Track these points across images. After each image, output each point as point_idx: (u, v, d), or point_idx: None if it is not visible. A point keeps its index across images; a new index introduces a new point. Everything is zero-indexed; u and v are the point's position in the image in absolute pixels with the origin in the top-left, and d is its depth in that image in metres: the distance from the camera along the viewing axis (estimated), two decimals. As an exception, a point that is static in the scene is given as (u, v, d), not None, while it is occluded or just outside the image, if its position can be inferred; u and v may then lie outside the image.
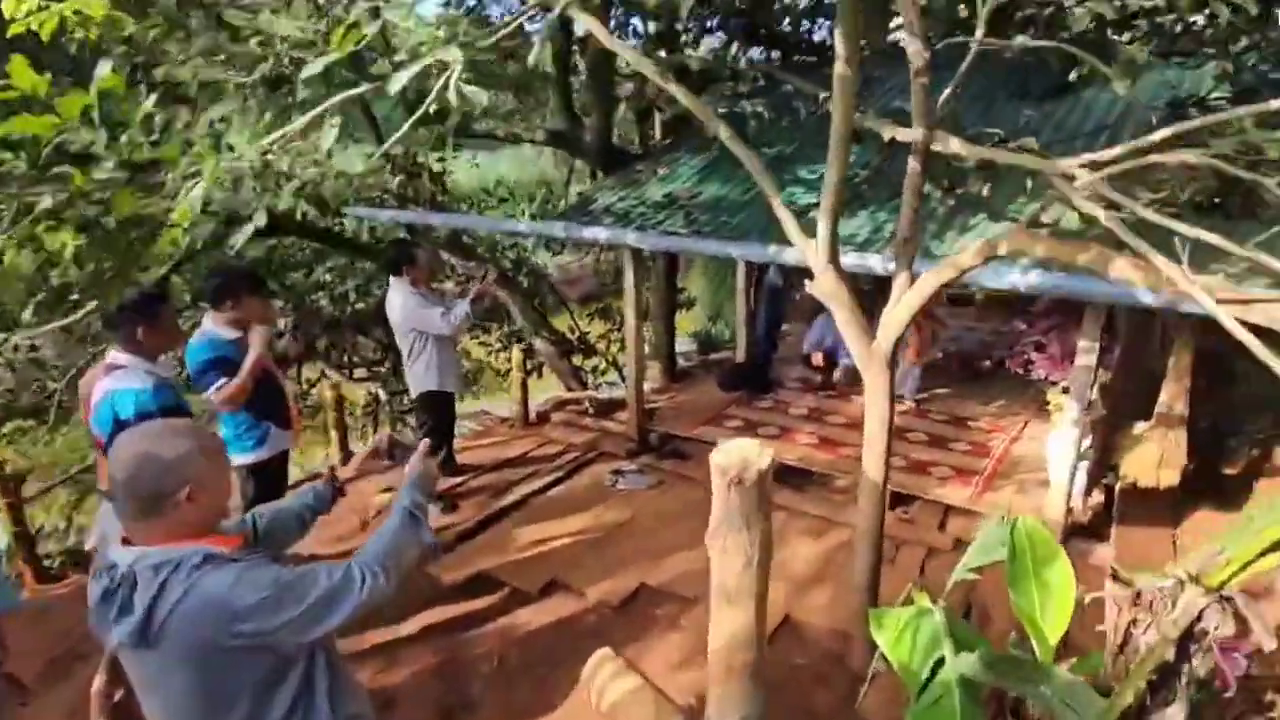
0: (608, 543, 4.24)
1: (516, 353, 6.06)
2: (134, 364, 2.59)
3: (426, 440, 2.00)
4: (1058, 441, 4.46)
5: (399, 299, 4.44)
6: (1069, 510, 4.19)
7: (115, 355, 2.61)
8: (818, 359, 6.57)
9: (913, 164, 2.37)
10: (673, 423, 5.75)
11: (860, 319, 2.55)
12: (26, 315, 4.87)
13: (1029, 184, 3.37)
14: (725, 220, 4.76)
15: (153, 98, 1.92)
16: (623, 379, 8.27)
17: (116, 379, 2.54)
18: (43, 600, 3.83)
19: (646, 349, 6.06)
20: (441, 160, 7.15)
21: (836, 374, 6.49)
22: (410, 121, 2.64)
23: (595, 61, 5.72)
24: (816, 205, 4.09)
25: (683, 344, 8.04)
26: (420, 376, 4.57)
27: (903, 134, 3.09)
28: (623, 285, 5.55)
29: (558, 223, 5.30)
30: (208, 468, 1.44)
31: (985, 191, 3.17)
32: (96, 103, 1.73)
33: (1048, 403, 5.59)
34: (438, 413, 4.66)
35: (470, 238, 7.75)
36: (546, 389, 7.36)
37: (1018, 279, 3.31)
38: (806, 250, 2.43)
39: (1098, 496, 4.58)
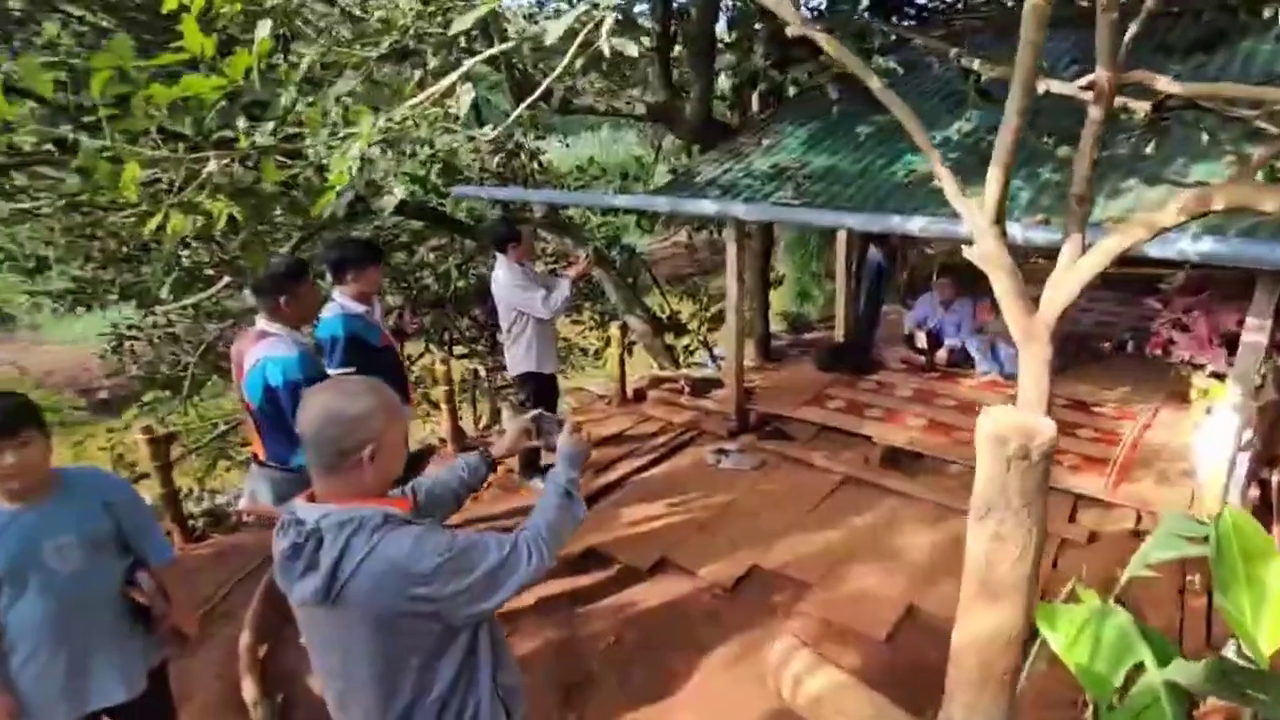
0: (715, 523, 4.15)
1: (615, 330, 6.02)
2: (283, 332, 2.65)
3: (574, 417, 1.96)
4: (1209, 429, 4.05)
5: (504, 275, 4.45)
6: (1225, 506, 3.81)
7: (264, 323, 2.68)
8: (921, 339, 6.27)
9: (1094, 112, 2.13)
10: (772, 402, 5.59)
11: (1021, 286, 2.34)
12: (164, 293, 5.21)
13: (1204, 140, 3.01)
14: (838, 190, 4.54)
15: (305, 62, 1.91)
16: (713, 358, 8.13)
17: (267, 346, 2.60)
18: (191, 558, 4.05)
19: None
20: (540, 139, 7.17)
21: (940, 354, 6.17)
22: (539, 92, 2.58)
23: (697, 32, 5.56)
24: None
25: (772, 324, 7.82)
26: (520, 358, 4.56)
27: (1058, 86, 2.83)
28: (712, 264, 5.41)
29: (662, 197, 5.19)
30: (389, 427, 1.42)
31: (1150, 149, 2.85)
32: (256, 63, 1.73)
33: (1189, 387, 5.13)
34: (539, 391, 4.66)
35: (567, 216, 7.74)
36: (634, 368, 7.31)
37: (1187, 247, 2.98)
38: (967, 211, 2.23)
39: (1252, 491, 4.15)
